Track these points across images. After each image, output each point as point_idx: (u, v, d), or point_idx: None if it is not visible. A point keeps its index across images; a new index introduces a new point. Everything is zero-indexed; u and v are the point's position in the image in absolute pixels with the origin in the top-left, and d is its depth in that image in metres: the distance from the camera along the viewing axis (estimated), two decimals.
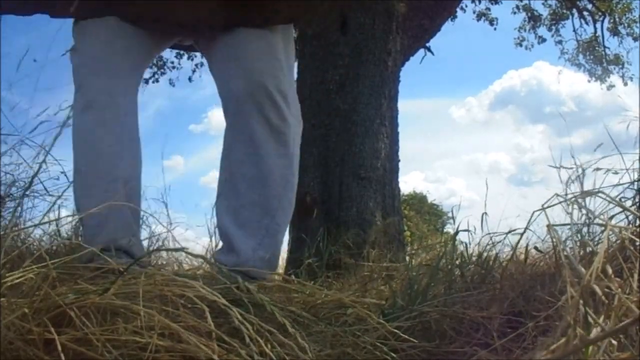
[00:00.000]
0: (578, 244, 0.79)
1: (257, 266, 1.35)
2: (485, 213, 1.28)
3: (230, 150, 1.44)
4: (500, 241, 1.20)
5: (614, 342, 0.54)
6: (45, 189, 1.40)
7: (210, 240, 1.58)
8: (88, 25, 1.41)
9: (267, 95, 1.38)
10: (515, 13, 7.34)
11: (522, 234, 0.90)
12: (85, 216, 1.28)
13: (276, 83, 1.39)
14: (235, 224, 1.40)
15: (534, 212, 0.79)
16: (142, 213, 1.45)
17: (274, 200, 1.42)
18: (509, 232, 1.15)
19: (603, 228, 0.80)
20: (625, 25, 6.89)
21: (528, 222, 0.83)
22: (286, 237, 3.16)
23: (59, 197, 1.26)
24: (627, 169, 0.86)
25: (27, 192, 1.37)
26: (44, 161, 1.14)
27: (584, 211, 0.76)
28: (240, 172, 1.42)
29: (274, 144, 1.41)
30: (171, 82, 7.30)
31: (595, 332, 0.55)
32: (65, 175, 1.36)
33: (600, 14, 6.84)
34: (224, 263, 1.34)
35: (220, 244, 1.46)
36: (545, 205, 0.78)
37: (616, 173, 0.85)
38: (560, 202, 0.77)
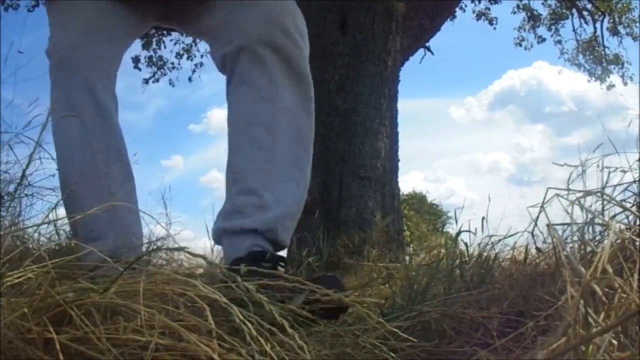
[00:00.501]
0: (578, 243, 0.79)
1: (281, 229, 1.19)
2: (484, 218, 1.28)
3: (243, 102, 1.25)
4: (499, 241, 1.20)
5: (614, 341, 0.54)
6: (30, 182, 1.35)
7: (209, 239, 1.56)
8: (64, 8, 1.27)
9: (287, 35, 1.23)
10: (515, 13, 7.37)
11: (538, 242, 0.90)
12: (83, 232, 1.19)
13: (295, 21, 1.25)
14: (261, 181, 1.21)
15: (539, 214, 0.79)
16: (140, 213, 1.39)
17: (303, 153, 1.25)
18: (508, 235, 1.16)
19: (603, 228, 0.80)
20: (625, 25, 6.91)
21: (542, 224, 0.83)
22: None
23: (59, 200, 1.24)
24: (629, 168, 0.86)
25: (24, 190, 1.35)
26: (32, 156, 1.10)
27: (584, 211, 0.76)
28: (264, 124, 1.23)
29: (297, 89, 1.25)
30: (171, 82, 7.32)
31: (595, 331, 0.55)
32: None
33: (599, 13, 6.85)
34: (255, 225, 1.16)
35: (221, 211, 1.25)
36: (546, 205, 0.78)
37: (622, 170, 0.85)
38: (556, 196, 0.77)
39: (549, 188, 0.77)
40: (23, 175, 1.12)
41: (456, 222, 1.41)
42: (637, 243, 0.68)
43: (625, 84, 7.20)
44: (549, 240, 0.94)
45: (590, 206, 0.78)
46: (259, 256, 1.09)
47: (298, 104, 1.25)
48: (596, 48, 7.18)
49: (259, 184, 1.20)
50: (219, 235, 1.22)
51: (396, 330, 0.84)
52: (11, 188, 1.33)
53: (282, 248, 1.20)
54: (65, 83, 1.24)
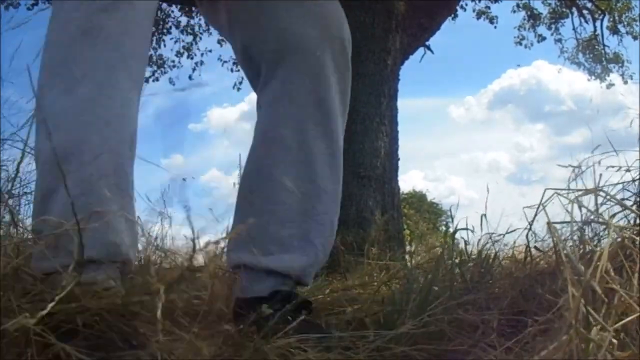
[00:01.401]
0: (578, 242, 0.79)
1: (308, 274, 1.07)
2: (484, 215, 1.28)
3: (289, 119, 1.06)
4: (498, 240, 1.20)
5: (614, 340, 0.54)
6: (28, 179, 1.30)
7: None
8: None
9: (343, 51, 1.10)
10: (515, 12, 7.36)
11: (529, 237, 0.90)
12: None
13: (349, 40, 1.12)
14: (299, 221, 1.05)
15: (537, 211, 0.79)
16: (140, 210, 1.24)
17: (339, 188, 1.11)
18: (507, 232, 1.15)
19: (603, 227, 0.80)
20: (625, 23, 6.90)
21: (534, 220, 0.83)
22: None
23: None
24: (628, 167, 0.86)
25: (21, 189, 1.33)
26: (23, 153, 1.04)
27: (584, 210, 0.76)
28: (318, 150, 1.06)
29: (342, 113, 1.10)
30: (171, 81, 7.30)
31: (595, 330, 0.55)
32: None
33: (599, 12, 6.84)
34: (281, 269, 1.02)
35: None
36: (545, 203, 0.78)
37: (627, 169, 0.85)
38: (556, 195, 0.77)
39: (546, 189, 0.77)
40: (16, 174, 1.09)
41: (452, 219, 1.41)
42: (637, 242, 0.68)
43: (625, 82, 7.21)
44: (549, 238, 0.94)
45: (590, 204, 0.78)
46: (283, 299, 0.96)
47: (341, 134, 1.10)
48: (596, 47, 7.17)
49: (295, 224, 1.05)
50: (236, 265, 1.05)
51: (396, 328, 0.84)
52: (10, 186, 1.33)
53: (304, 285, 1.09)
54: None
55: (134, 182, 0.93)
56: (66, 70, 0.88)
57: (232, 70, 7.13)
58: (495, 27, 6.88)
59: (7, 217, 1.12)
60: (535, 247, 1.05)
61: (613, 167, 0.85)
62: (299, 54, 1.07)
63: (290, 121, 1.06)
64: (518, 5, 7.27)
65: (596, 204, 0.77)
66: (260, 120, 1.11)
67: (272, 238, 1.04)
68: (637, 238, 0.69)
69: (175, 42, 7.06)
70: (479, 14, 6.85)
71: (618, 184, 0.86)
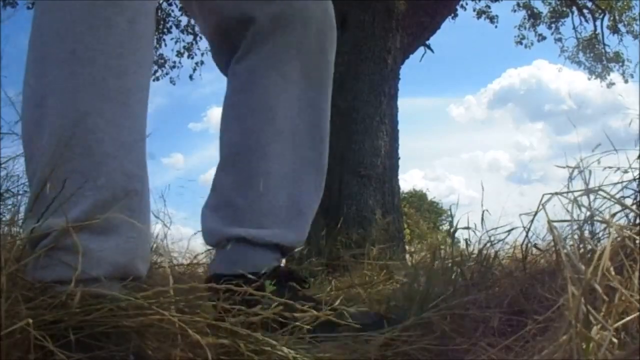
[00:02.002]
0: (578, 241, 0.79)
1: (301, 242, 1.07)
2: (487, 211, 1.28)
3: (276, 94, 1.04)
4: (501, 240, 1.19)
5: (615, 339, 0.54)
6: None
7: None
8: None
9: (325, 19, 1.10)
10: (515, 11, 7.36)
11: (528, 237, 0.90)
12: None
13: (332, 11, 1.10)
14: (287, 188, 1.04)
15: (537, 211, 0.79)
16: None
17: (325, 158, 1.12)
18: (508, 230, 1.15)
19: (604, 226, 0.80)
20: (625, 22, 6.91)
21: (532, 221, 0.83)
22: None
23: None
24: (629, 166, 0.86)
25: (20, 188, 1.33)
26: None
27: (584, 209, 0.76)
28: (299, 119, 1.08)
29: (329, 77, 1.12)
30: (172, 81, 7.31)
31: (595, 329, 0.55)
32: None
33: (600, 11, 6.85)
34: (279, 241, 0.99)
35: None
36: (545, 203, 0.78)
37: (624, 171, 0.85)
38: (555, 194, 0.77)
39: (544, 194, 0.77)
40: None
41: (452, 218, 1.41)
42: (638, 241, 0.68)
43: (626, 81, 7.21)
44: (549, 238, 0.94)
45: (590, 204, 0.78)
46: (284, 275, 0.95)
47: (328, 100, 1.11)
48: (596, 46, 7.18)
49: (285, 192, 1.02)
50: (220, 239, 1.00)
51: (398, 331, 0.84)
52: (8, 185, 1.32)
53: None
54: None
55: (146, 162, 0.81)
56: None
57: None
58: (495, 26, 6.91)
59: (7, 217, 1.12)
60: (534, 246, 1.05)
61: (611, 167, 0.85)
62: (282, 27, 1.04)
63: (274, 92, 1.05)
64: (518, 5, 7.29)
65: (589, 202, 0.77)
66: (240, 89, 1.07)
67: (263, 211, 1.00)
68: (638, 237, 0.68)
69: (176, 42, 7.08)
70: (479, 14, 6.87)
71: (618, 183, 0.86)
